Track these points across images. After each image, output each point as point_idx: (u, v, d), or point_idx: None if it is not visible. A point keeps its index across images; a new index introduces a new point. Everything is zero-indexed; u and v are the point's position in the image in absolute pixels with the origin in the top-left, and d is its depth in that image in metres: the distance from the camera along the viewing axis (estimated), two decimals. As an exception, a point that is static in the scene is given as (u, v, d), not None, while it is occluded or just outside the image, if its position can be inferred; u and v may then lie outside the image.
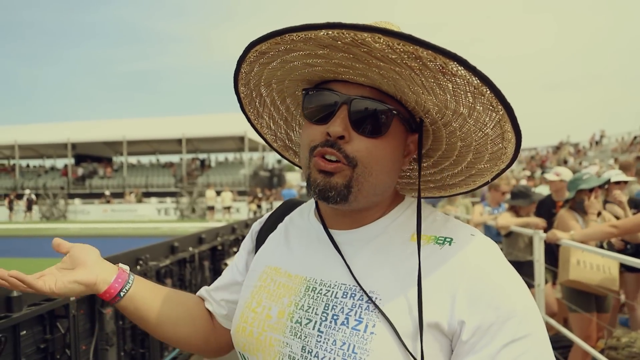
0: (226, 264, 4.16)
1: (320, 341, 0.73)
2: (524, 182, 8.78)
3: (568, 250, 3.37)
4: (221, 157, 38.11)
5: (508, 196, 4.94)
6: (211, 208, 23.51)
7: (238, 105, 0.92)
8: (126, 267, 0.93)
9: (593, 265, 3.34)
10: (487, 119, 0.72)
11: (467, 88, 0.67)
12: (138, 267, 2.74)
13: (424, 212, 0.81)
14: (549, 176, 4.83)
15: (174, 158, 37.19)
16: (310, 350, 0.74)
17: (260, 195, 24.26)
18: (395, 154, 0.79)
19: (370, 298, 0.73)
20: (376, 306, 0.72)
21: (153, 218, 25.48)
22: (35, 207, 27.02)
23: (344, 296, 0.76)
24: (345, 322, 0.73)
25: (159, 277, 3.01)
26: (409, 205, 0.86)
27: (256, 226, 1.03)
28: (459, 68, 0.64)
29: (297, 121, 0.96)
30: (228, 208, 22.98)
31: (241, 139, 32.71)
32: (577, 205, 3.73)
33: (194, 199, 25.44)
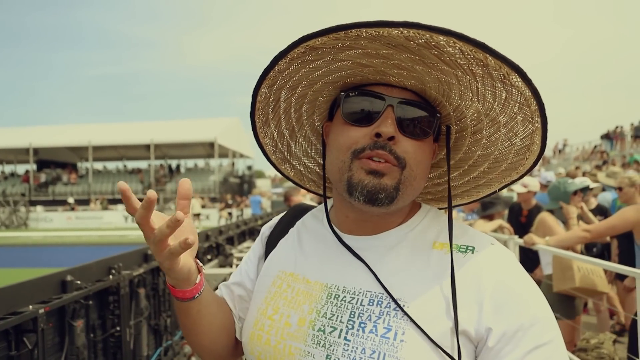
0: (201, 273, 4.05)
1: (347, 350, 0.72)
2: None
3: (567, 258, 3.39)
4: (190, 163, 37.58)
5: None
6: (180, 215, 23.05)
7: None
8: (202, 268, 0.84)
9: (589, 270, 3.40)
10: (521, 130, 0.76)
11: (518, 98, 0.71)
12: (110, 277, 2.62)
13: (441, 220, 0.84)
14: (517, 188, 4.96)
15: (142, 164, 36.48)
16: (337, 359, 0.72)
17: (230, 202, 23.99)
18: (430, 158, 0.81)
19: (399, 305, 0.72)
20: (405, 313, 0.71)
21: (120, 225, 24.82)
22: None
23: (371, 303, 0.74)
24: (373, 330, 0.71)
25: (132, 286, 2.88)
26: (426, 213, 0.85)
27: (266, 230, 1.00)
28: (518, 79, 0.67)
29: (303, 132, 0.93)
30: (198, 215, 22.62)
31: (211, 145, 32.31)
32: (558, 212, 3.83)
33: (162, 206, 24.94)
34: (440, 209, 0.93)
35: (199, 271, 0.81)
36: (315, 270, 0.83)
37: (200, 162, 37.37)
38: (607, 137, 25.54)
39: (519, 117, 0.74)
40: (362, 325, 0.73)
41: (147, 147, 32.42)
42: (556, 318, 2.75)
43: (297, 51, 0.73)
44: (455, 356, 0.69)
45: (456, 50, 0.66)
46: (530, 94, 0.69)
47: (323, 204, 0.92)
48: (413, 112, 0.76)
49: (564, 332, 3.57)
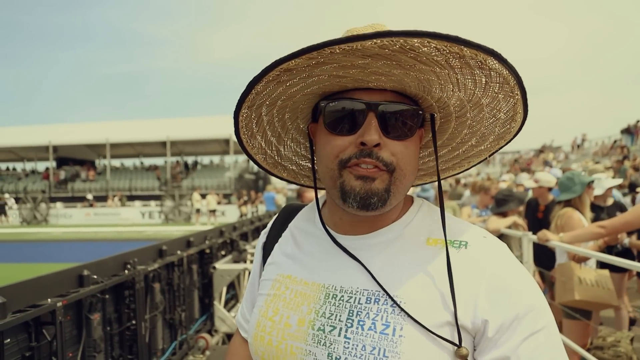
0: (215, 268, 4.10)
1: (348, 347, 0.74)
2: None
3: (568, 268, 3.31)
4: (206, 159, 37.85)
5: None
6: (197, 211, 23.31)
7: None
8: None
9: (593, 282, 3.26)
10: (504, 105, 0.79)
11: (497, 79, 0.73)
12: (126, 272, 2.68)
13: (433, 215, 0.86)
14: (528, 183, 4.89)
15: (158, 161, 36.90)
16: (338, 357, 0.74)
17: (246, 198, 24.13)
18: (417, 152, 0.83)
19: (395, 302, 0.74)
20: (402, 309, 0.73)
21: (137, 222, 25.16)
22: (11, 212, 26.46)
23: (368, 302, 0.76)
24: (372, 327, 0.73)
25: (147, 281, 2.94)
26: (419, 208, 0.87)
27: (262, 237, 1.02)
28: (494, 62, 0.69)
29: (290, 135, 0.94)
30: (213, 211, 22.81)
31: (226, 141, 32.51)
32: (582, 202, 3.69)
33: (178, 202, 25.20)
34: (432, 182, 0.98)
35: None
36: (312, 271, 0.85)
37: (216, 159, 37.64)
38: (627, 131, 24.97)
39: (500, 96, 0.77)
40: (361, 322, 0.75)
41: (164, 144, 32.74)
42: (572, 318, 2.67)
43: (272, 74, 0.73)
44: (448, 348, 0.71)
45: (431, 49, 0.67)
46: (507, 72, 0.71)
47: (314, 204, 0.94)
48: (396, 113, 0.76)
49: (577, 333, 3.48)
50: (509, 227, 4.40)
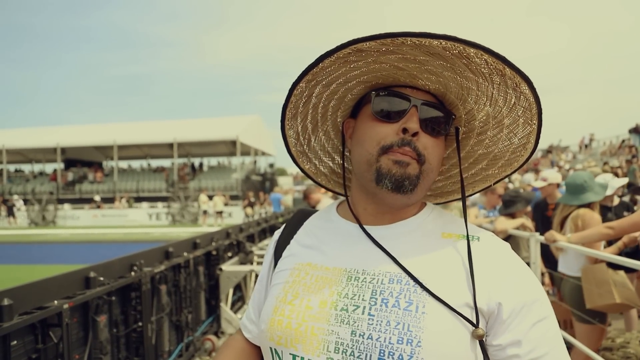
0: (221, 269, 4.10)
1: (372, 324, 0.76)
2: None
3: (600, 271, 3.21)
4: (213, 161, 37.99)
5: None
6: (204, 212, 23.38)
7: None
8: None
9: (623, 284, 3.19)
10: (520, 130, 0.87)
11: (523, 103, 0.82)
12: (132, 273, 2.68)
13: (445, 216, 0.94)
14: (537, 183, 4.84)
15: (166, 162, 37.03)
16: (362, 334, 0.76)
17: (253, 199, 24.18)
18: (442, 155, 0.90)
19: (418, 282, 0.79)
20: (425, 288, 0.78)
21: (144, 223, 25.27)
22: (19, 213, 26.67)
23: (391, 282, 0.80)
24: (396, 304, 0.77)
25: (154, 282, 2.94)
26: (432, 209, 0.94)
27: (275, 236, 1.05)
28: (526, 88, 0.78)
29: (325, 127, 0.99)
30: (220, 213, 22.87)
31: (233, 143, 32.58)
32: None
33: (185, 203, 25.28)
34: (436, 204, 1.04)
35: None
36: (333, 258, 0.88)
37: (223, 160, 37.74)
38: (635, 130, 24.73)
39: (521, 120, 0.85)
40: (385, 300, 0.78)
41: (171, 145, 32.87)
42: (587, 322, 2.62)
43: (345, 52, 0.79)
44: (467, 324, 0.76)
45: (482, 61, 0.76)
46: (533, 99, 0.80)
47: (327, 207, 1.02)
48: (433, 113, 0.85)
49: (591, 337, 3.41)
50: (517, 228, 4.36)
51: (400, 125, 0.82)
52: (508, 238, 4.42)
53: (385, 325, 0.75)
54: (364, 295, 0.80)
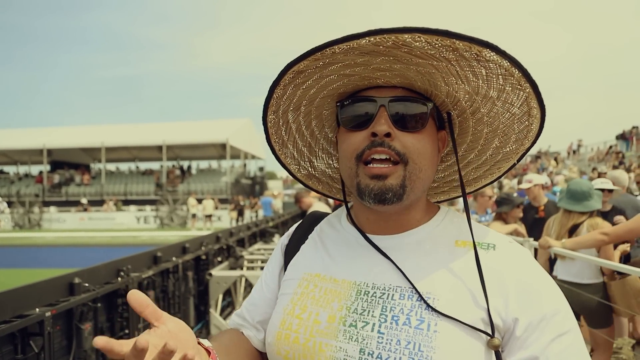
0: (211, 274, 4.01)
1: (382, 342, 0.73)
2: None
3: (635, 282, 3.16)
4: (202, 164, 37.76)
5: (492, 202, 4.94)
6: (193, 216, 23.20)
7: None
8: (213, 349, 0.77)
9: None
10: (515, 98, 0.81)
11: (499, 71, 0.76)
12: (119, 279, 2.59)
13: (460, 221, 0.88)
14: (523, 185, 4.85)
15: (154, 165, 36.70)
16: (372, 352, 0.73)
17: (242, 203, 24.03)
18: (433, 147, 0.84)
19: (424, 300, 0.75)
20: (433, 308, 0.74)
21: (132, 226, 25.01)
22: (3, 216, 26.24)
23: (402, 298, 0.77)
24: (407, 322, 0.74)
25: (142, 288, 2.85)
26: (445, 214, 0.89)
27: (284, 240, 1.02)
28: (492, 54, 0.72)
29: (320, 146, 0.98)
30: (209, 216, 22.71)
31: (223, 146, 32.44)
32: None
33: (174, 207, 25.06)
34: (456, 197, 1.01)
35: (209, 353, 0.74)
36: (343, 269, 0.85)
37: (213, 163, 37.54)
38: (622, 137, 25.11)
39: (507, 88, 0.79)
40: (395, 318, 0.75)
41: (160, 148, 32.62)
42: (608, 325, 2.61)
43: (287, 77, 0.80)
44: (480, 344, 0.72)
45: (423, 43, 0.71)
46: (508, 64, 0.74)
47: (338, 210, 0.98)
48: (405, 107, 0.80)
49: (603, 342, 3.40)
50: (510, 233, 4.34)
51: (369, 131, 0.79)
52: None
53: (396, 345, 0.72)
54: (373, 312, 0.76)
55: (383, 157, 0.77)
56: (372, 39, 0.70)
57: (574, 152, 29.87)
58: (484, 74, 0.76)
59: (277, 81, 0.81)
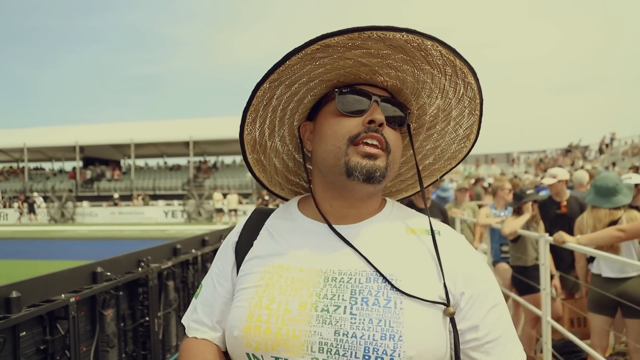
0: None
1: (354, 322, 0.79)
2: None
3: None
4: (228, 159, 38.22)
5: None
6: (219, 211, 23.56)
7: (245, 105, 0.90)
8: None
9: None
10: (466, 121, 0.95)
11: (470, 94, 0.91)
12: (139, 269, 2.74)
13: (406, 211, 0.99)
14: (547, 180, 4.77)
15: (182, 161, 37.33)
16: (346, 332, 0.78)
17: (267, 197, 24.27)
18: (401, 149, 0.95)
19: (389, 282, 0.82)
20: (397, 288, 0.81)
21: (160, 221, 25.59)
22: (40, 210, 27.20)
23: (368, 281, 0.83)
24: (376, 302, 0.80)
25: (161, 278, 3.00)
26: (392, 205, 0.99)
27: (233, 237, 1.01)
28: (472, 79, 0.88)
29: (282, 132, 0.99)
30: (234, 211, 23.03)
31: (248, 141, 32.60)
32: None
33: (201, 201, 25.51)
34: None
35: None
36: (306, 259, 0.88)
37: (238, 159, 37.90)
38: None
39: (466, 111, 0.93)
40: (365, 299, 0.81)
41: (186, 144, 33.21)
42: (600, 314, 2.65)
43: (312, 48, 0.82)
44: (440, 316, 0.83)
45: (437, 53, 0.83)
46: (477, 89, 0.89)
47: (284, 204, 1.04)
48: (391, 108, 0.91)
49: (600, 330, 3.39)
50: (526, 222, 4.28)
51: (366, 118, 0.87)
52: (518, 238, 4.38)
53: (368, 323, 0.78)
54: (343, 295, 0.81)
55: (375, 142, 0.85)
56: (405, 35, 0.80)
57: (607, 145, 28.91)
58: (461, 92, 0.90)
59: (301, 48, 0.81)
